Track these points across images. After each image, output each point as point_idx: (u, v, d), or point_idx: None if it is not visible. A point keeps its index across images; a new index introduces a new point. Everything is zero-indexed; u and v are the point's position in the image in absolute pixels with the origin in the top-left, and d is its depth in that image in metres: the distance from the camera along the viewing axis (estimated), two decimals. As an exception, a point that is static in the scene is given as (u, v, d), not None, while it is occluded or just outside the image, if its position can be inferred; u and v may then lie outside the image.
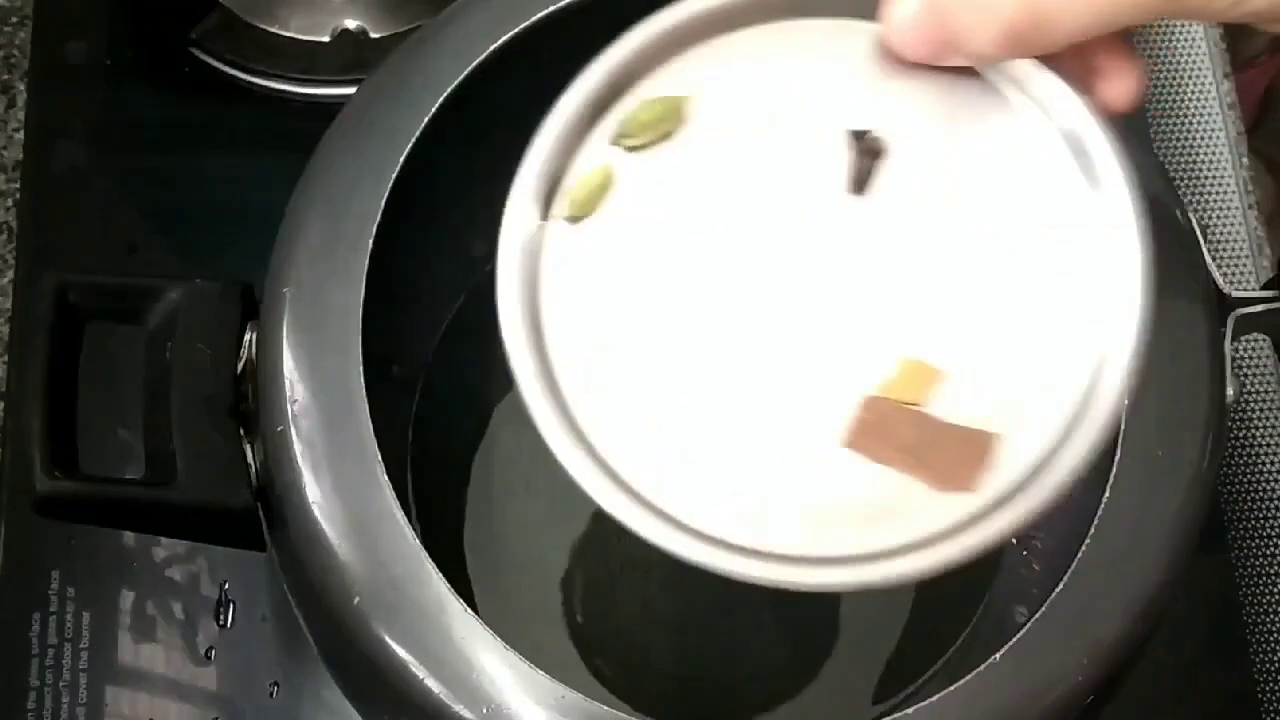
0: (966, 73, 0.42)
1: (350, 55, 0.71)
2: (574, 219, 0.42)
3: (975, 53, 0.40)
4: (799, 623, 0.60)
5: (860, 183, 0.42)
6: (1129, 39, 0.41)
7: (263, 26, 0.71)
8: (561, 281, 0.41)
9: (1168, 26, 0.75)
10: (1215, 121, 0.73)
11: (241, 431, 0.49)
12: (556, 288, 0.41)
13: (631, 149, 0.42)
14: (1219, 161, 0.72)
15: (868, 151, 0.42)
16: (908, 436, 0.39)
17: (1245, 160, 0.72)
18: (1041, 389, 0.39)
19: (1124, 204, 0.40)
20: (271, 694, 0.61)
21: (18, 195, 0.68)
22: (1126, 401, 0.39)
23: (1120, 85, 0.41)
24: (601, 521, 0.61)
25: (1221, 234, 0.71)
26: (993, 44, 0.39)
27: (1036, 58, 0.40)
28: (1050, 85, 0.41)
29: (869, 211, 0.41)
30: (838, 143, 0.42)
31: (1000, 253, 0.41)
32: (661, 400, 0.40)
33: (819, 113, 0.42)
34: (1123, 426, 0.48)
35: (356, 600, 0.46)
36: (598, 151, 0.42)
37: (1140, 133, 0.71)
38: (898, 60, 0.42)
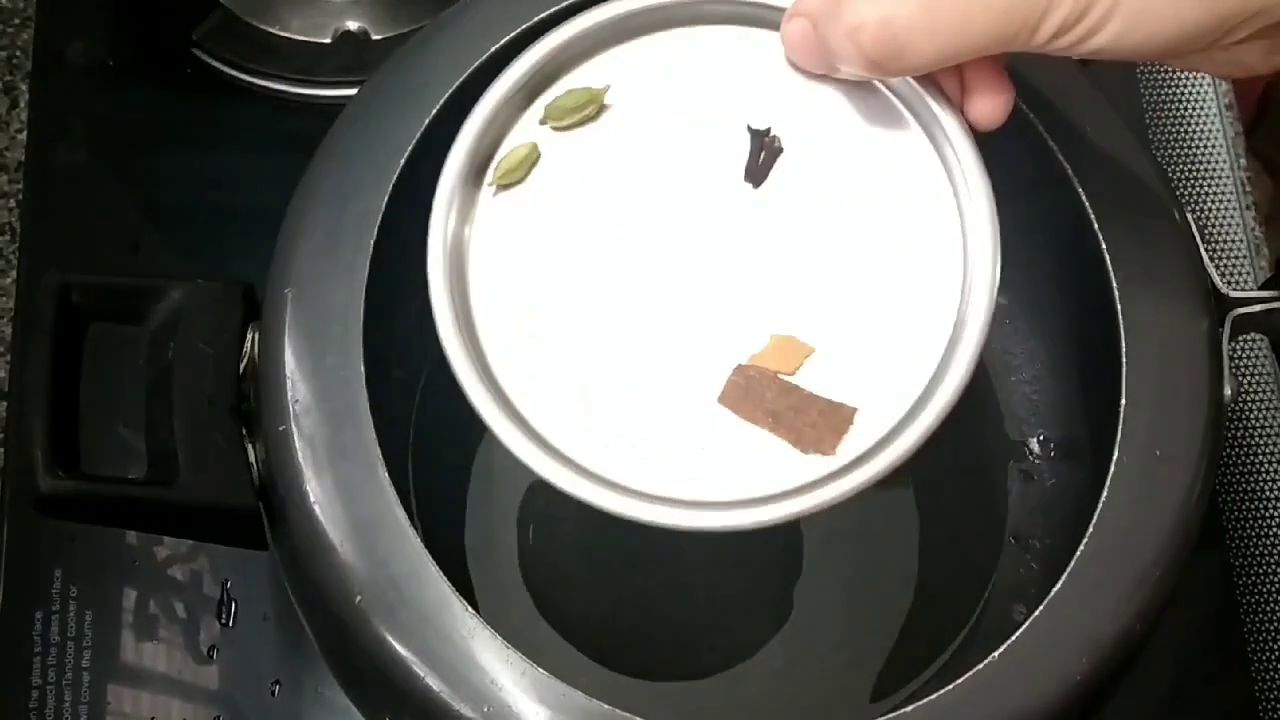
0: (861, 82, 0.46)
1: (351, 56, 0.71)
2: (502, 187, 0.47)
3: (846, 72, 0.45)
4: (799, 622, 0.60)
5: (757, 177, 0.46)
6: (1000, 64, 0.45)
7: (264, 27, 0.72)
8: (487, 244, 0.46)
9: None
10: (1213, 122, 0.73)
11: (243, 431, 0.49)
12: (482, 249, 0.46)
13: (556, 129, 0.47)
14: (1217, 162, 0.72)
15: (766, 149, 0.46)
16: (774, 402, 0.44)
17: (1243, 161, 0.73)
18: (899, 367, 0.44)
19: (981, 206, 0.45)
20: (273, 693, 0.61)
21: (20, 195, 0.68)
22: (966, 384, 0.44)
23: (985, 104, 0.45)
24: (603, 520, 0.61)
25: (1219, 234, 0.71)
26: (858, 66, 0.43)
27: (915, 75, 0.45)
28: (927, 98, 0.46)
29: (762, 202, 0.46)
30: (740, 138, 0.47)
31: (873, 245, 0.46)
32: (570, 356, 0.45)
33: (726, 110, 0.47)
34: (1121, 425, 0.48)
35: (358, 599, 0.46)
36: (527, 131, 0.47)
37: (1138, 133, 0.71)
38: (799, 68, 0.47)
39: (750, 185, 0.46)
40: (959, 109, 0.45)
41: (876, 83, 0.46)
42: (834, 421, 0.44)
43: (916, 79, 0.45)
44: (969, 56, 0.43)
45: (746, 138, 0.47)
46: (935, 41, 0.42)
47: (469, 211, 0.47)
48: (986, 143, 0.46)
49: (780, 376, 0.44)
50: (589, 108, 0.47)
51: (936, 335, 0.44)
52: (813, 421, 0.44)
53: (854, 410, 0.44)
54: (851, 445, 0.44)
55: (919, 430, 0.43)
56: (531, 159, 0.47)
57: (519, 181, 0.47)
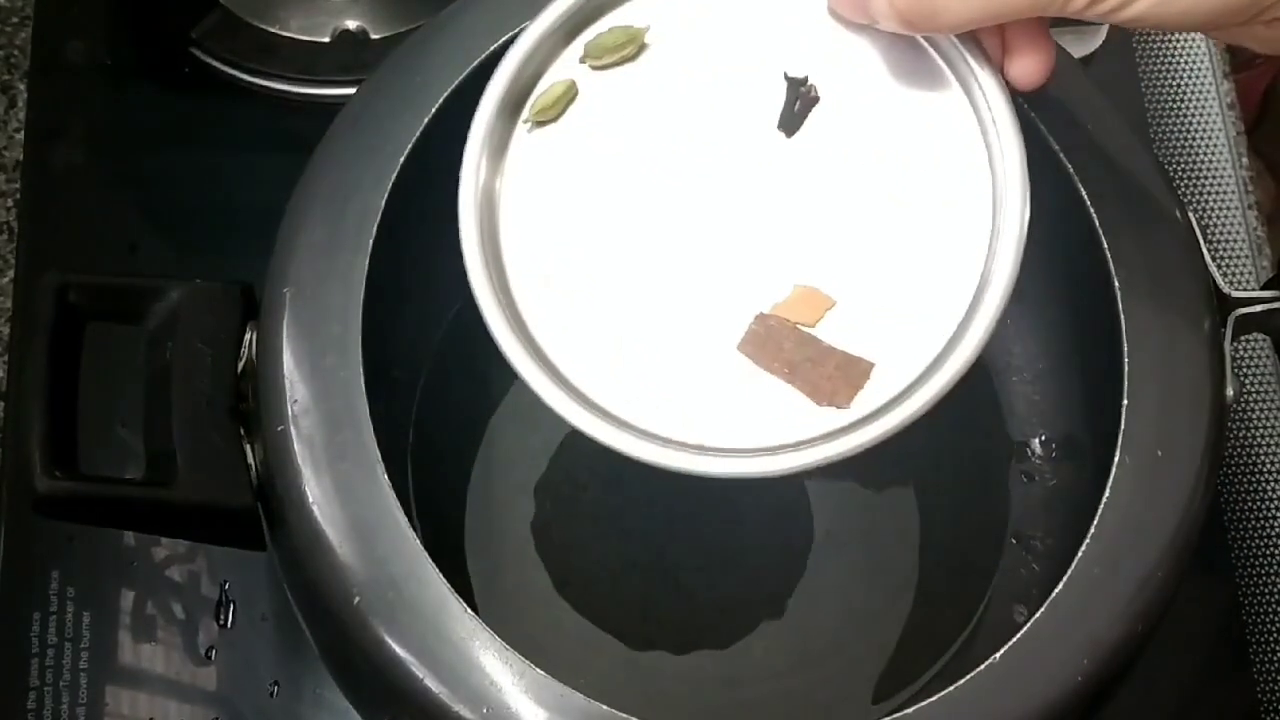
0: (901, 36, 0.46)
1: (350, 56, 0.71)
2: (538, 124, 0.47)
3: (883, 27, 0.45)
4: (800, 623, 0.60)
5: (791, 126, 0.46)
6: (1043, 25, 0.45)
7: (263, 27, 0.71)
8: (518, 185, 0.46)
9: (1168, 26, 0.74)
10: (1215, 122, 0.73)
11: (242, 431, 0.49)
12: (513, 190, 0.46)
13: (595, 68, 0.47)
14: (1219, 161, 0.72)
15: (802, 99, 0.46)
16: (791, 353, 0.44)
17: (1245, 160, 0.72)
18: (919, 324, 0.45)
19: (1014, 169, 0.45)
20: (272, 694, 0.61)
21: (18, 195, 0.68)
22: (983, 346, 0.44)
23: (1025, 64, 0.45)
24: (602, 521, 0.61)
25: (1221, 234, 0.71)
26: (893, 23, 0.44)
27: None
28: (967, 56, 0.46)
29: (794, 151, 0.47)
30: (777, 86, 0.47)
31: (903, 201, 0.46)
32: (598, 302, 0.45)
33: (765, 57, 0.47)
34: (1123, 426, 0.48)
35: (356, 600, 0.46)
36: (566, 68, 0.48)
37: (1140, 132, 0.71)
38: (841, 18, 0.47)
39: (783, 134, 0.47)
40: (999, 68, 0.45)
41: (918, 38, 0.46)
42: (850, 375, 0.44)
43: (958, 36, 0.45)
44: (1004, 19, 0.43)
45: (783, 85, 0.47)
46: (968, 3, 0.42)
47: (502, 149, 0.47)
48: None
49: (800, 327, 0.45)
50: (628, 47, 0.47)
51: (959, 296, 0.45)
52: (829, 374, 0.44)
53: (871, 365, 0.44)
54: (866, 400, 0.44)
55: (934, 389, 0.43)
56: (568, 96, 0.47)
57: (555, 119, 0.47)
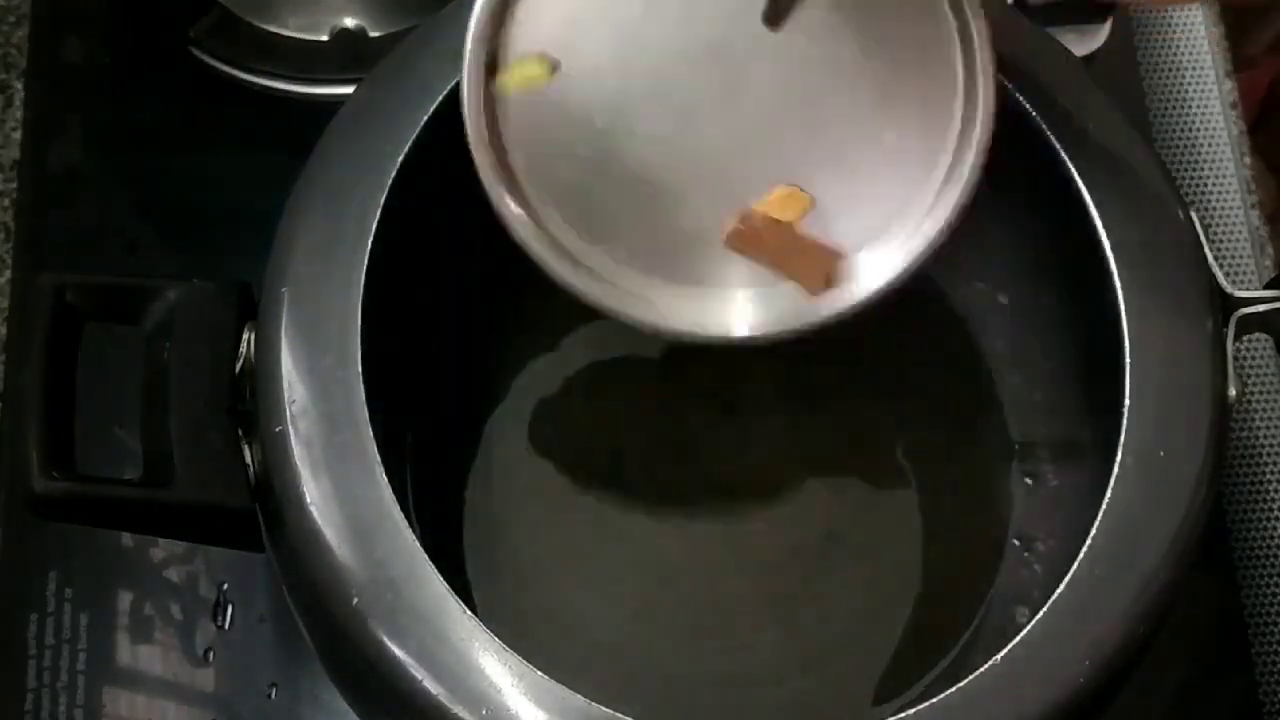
0: None
1: (349, 54, 0.71)
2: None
3: None
4: (800, 624, 0.60)
5: (775, 18, 0.47)
6: None
7: (261, 25, 0.71)
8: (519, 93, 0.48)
9: (1169, 26, 0.74)
10: (1217, 120, 0.73)
11: (240, 432, 0.49)
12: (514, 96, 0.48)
13: None
14: (1221, 160, 0.72)
15: None
16: (773, 244, 0.49)
17: (1247, 159, 0.72)
18: (892, 215, 0.48)
19: (988, 71, 0.47)
20: (270, 695, 0.60)
21: (15, 195, 0.68)
22: (947, 235, 0.48)
23: None
24: (602, 523, 0.61)
25: (1224, 233, 0.71)
26: None
27: None
28: None
29: (778, 46, 0.47)
30: None
31: (883, 99, 0.48)
32: (596, 189, 0.48)
33: None
34: (1125, 426, 0.48)
35: (355, 601, 0.45)
36: None
37: (1142, 131, 0.71)
38: None
39: (770, 28, 0.47)
40: None
41: None
42: (826, 262, 0.49)
43: None
44: None
45: None
46: None
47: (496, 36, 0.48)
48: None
49: (779, 220, 0.48)
50: None
51: (928, 188, 0.48)
52: (809, 261, 0.49)
53: (845, 251, 0.49)
54: (843, 279, 0.49)
55: (897, 268, 0.48)
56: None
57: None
